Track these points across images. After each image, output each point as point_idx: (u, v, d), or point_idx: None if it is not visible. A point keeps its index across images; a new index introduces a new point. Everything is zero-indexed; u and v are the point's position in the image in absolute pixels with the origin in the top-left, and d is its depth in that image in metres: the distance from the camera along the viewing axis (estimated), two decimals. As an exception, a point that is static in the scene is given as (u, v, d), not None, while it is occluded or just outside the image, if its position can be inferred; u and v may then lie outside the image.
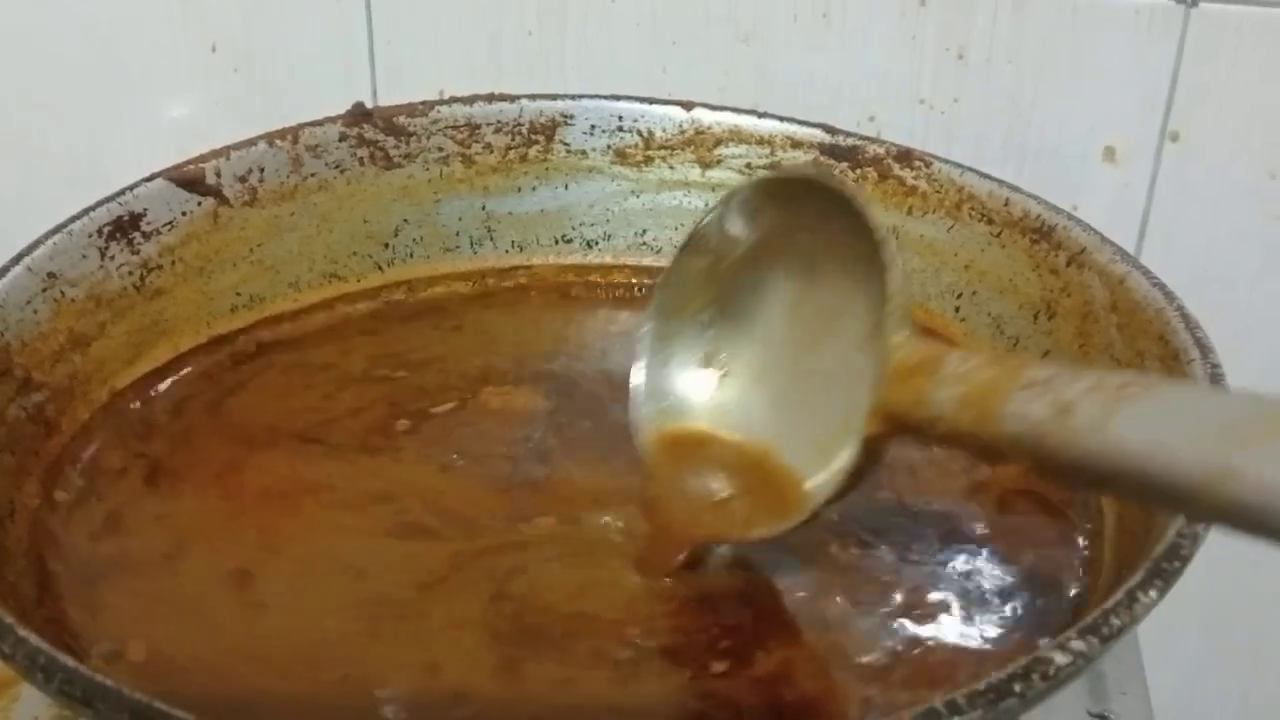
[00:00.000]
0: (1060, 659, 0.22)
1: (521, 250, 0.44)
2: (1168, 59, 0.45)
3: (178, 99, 0.53)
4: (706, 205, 0.44)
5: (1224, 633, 0.52)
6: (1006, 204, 0.39)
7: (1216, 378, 0.30)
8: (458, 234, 0.44)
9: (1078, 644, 0.23)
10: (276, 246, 0.41)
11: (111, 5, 0.52)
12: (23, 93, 0.54)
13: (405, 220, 0.43)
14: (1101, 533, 0.32)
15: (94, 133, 0.54)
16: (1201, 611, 0.51)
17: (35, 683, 0.22)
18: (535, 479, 0.35)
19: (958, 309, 0.40)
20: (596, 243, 0.45)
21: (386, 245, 0.43)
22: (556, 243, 0.45)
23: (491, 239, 0.44)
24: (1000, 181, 0.40)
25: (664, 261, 0.44)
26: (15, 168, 0.55)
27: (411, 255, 0.43)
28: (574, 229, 0.45)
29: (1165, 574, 0.24)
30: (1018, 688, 0.22)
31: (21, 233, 0.35)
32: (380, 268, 0.43)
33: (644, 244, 0.45)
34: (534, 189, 0.44)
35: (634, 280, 0.44)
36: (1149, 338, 0.33)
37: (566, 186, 0.44)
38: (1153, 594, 0.24)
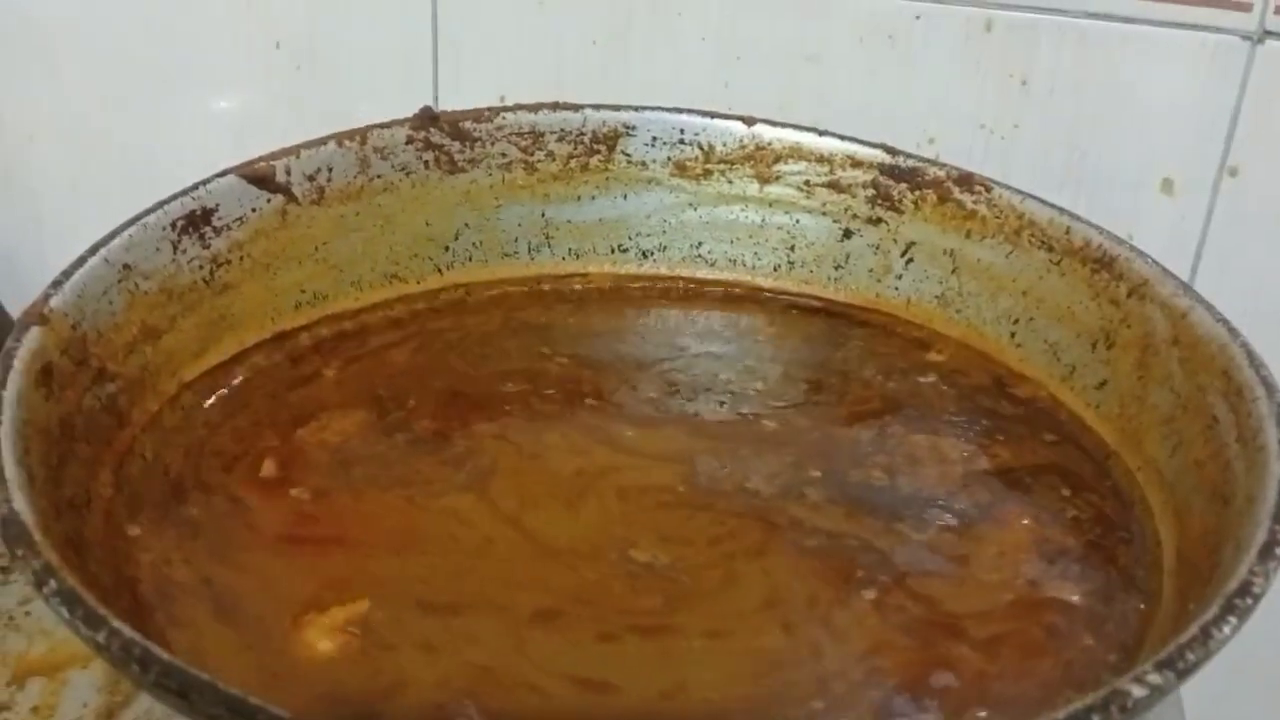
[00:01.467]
0: (1138, 691, 0.23)
1: (578, 258, 0.45)
2: (1230, 94, 0.45)
3: (240, 94, 0.54)
4: (764, 220, 0.44)
5: (1251, 657, 0.53)
6: (1067, 232, 0.40)
7: (1282, 415, 0.30)
8: (516, 240, 0.44)
9: (1154, 678, 0.23)
10: (341, 245, 0.41)
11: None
12: (87, 85, 0.55)
13: (466, 224, 0.43)
14: (1160, 564, 0.32)
15: (155, 126, 0.55)
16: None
17: (129, 675, 0.22)
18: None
19: (1014, 334, 0.41)
20: (652, 253, 0.45)
21: (447, 248, 0.43)
22: (613, 251, 0.45)
23: (549, 245, 0.45)
24: (1061, 209, 0.40)
25: (718, 274, 0.45)
26: (77, 159, 0.55)
27: (470, 259, 0.44)
28: (630, 239, 0.45)
29: (1238, 610, 0.24)
30: (1095, 718, 0.22)
31: (81, 223, 0.36)
32: (440, 270, 0.43)
33: (699, 256, 0.45)
34: (593, 198, 0.44)
35: (689, 289, 0.45)
36: (1211, 373, 0.33)
37: (625, 196, 0.45)
38: (1226, 630, 0.24)
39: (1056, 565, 0.33)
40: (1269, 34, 0.45)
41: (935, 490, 0.35)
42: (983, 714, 0.28)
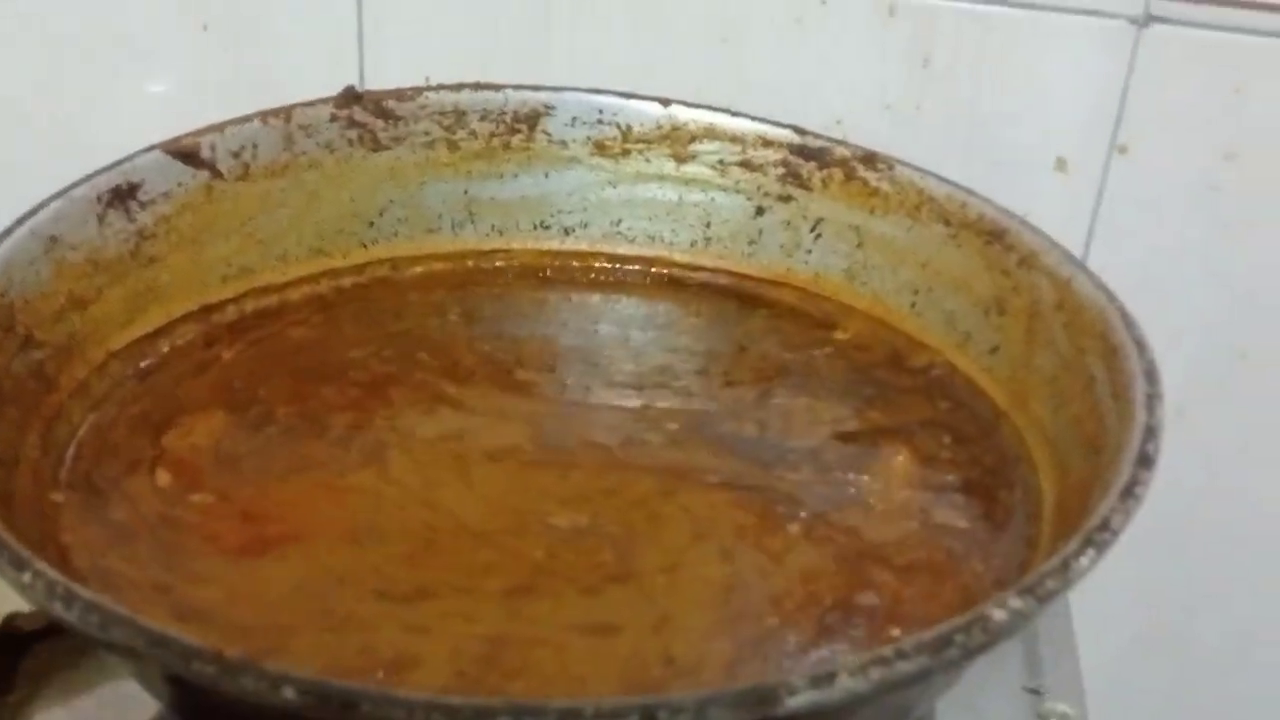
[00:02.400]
0: (999, 615, 0.24)
1: (501, 234, 0.46)
2: (1119, 75, 0.47)
3: (167, 76, 0.54)
4: (680, 198, 0.46)
5: (1150, 617, 0.55)
6: (963, 207, 0.41)
7: (1151, 372, 0.32)
8: (440, 216, 0.45)
9: (1015, 602, 0.25)
10: (267, 221, 0.42)
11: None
12: (13, 65, 0.55)
13: (391, 201, 0.45)
14: (1041, 514, 0.34)
15: (83, 106, 0.55)
16: (1131, 596, 0.53)
17: (54, 612, 0.23)
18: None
19: (913, 304, 0.43)
20: (574, 230, 0.47)
21: (371, 224, 0.44)
22: (535, 228, 0.46)
23: (473, 222, 0.46)
24: (958, 185, 0.42)
25: (638, 250, 0.47)
26: (6, 141, 0.56)
27: (395, 235, 0.45)
28: (552, 216, 0.46)
29: (1097, 543, 0.26)
30: (959, 639, 0.24)
31: (13, 205, 0.37)
32: (365, 245, 0.44)
33: (619, 233, 0.46)
34: (515, 176, 0.46)
35: (608, 266, 0.46)
36: (1091, 335, 0.36)
37: (547, 175, 0.46)
38: (1084, 561, 0.26)
39: (943, 496, 0.36)
40: (1154, 18, 0.47)
41: (802, 442, 0.38)
42: (896, 631, 0.31)
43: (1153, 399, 0.31)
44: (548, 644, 0.29)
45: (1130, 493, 0.28)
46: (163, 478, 0.34)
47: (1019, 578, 0.32)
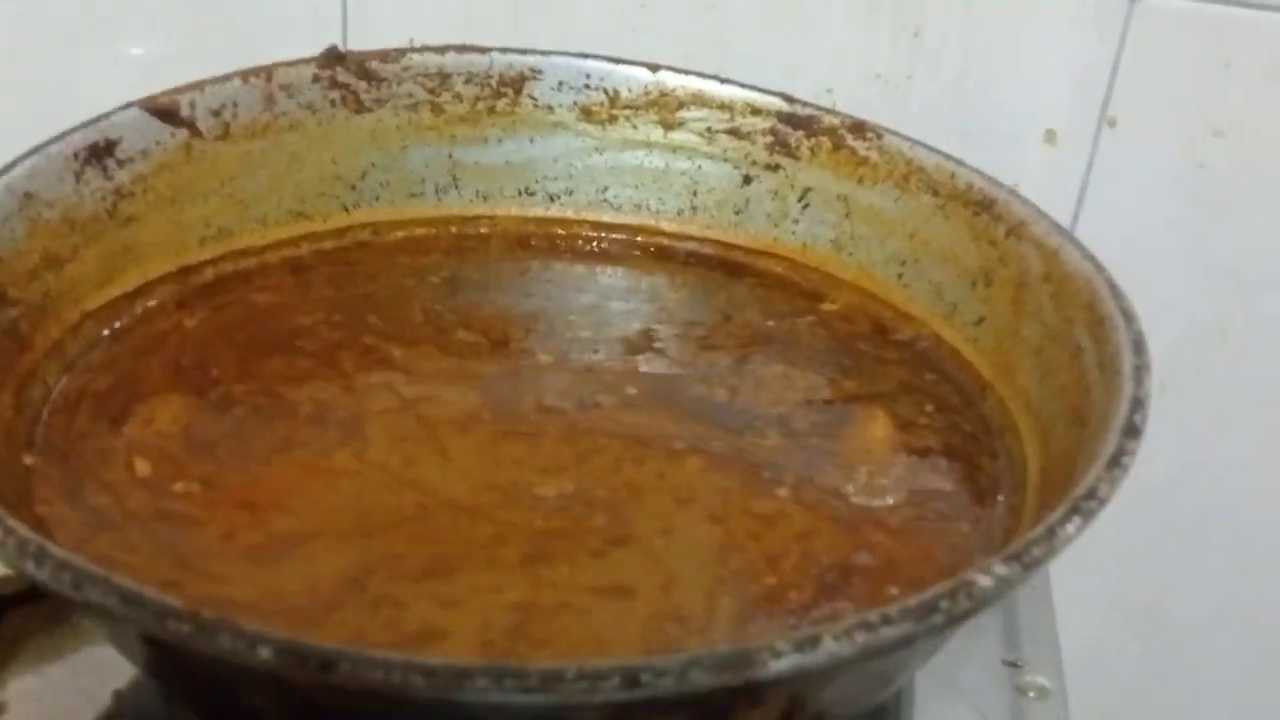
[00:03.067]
0: (984, 581, 0.24)
1: (485, 200, 0.46)
2: (1109, 49, 0.47)
3: (145, 39, 0.53)
4: (667, 166, 0.46)
5: (1127, 592, 0.55)
6: (952, 177, 0.41)
7: (1139, 343, 0.32)
8: (423, 181, 0.45)
9: (1000, 569, 0.25)
10: (247, 182, 0.42)
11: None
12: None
13: (373, 164, 0.44)
14: (1025, 484, 0.34)
15: (59, 70, 0.54)
16: (1110, 570, 0.54)
17: (26, 569, 0.23)
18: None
19: (900, 275, 0.42)
20: (559, 197, 0.46)
21: (353, 188, 0.44)
22: (520, 194, 0.46)
23: (457, 188, 0.45)
24: (947, 156, 0.41)
25: (623, 219, 0.46)
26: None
27: (378, 199, 0.44)
28: (537, 182, 0.46)
29: (1083, 511, 0.26)
30: (944, 604, 0.24)
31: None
32: (346, 209, 0.44)
33: (605, 201, 0.46)
34: (500, 141, 0.45)
35: (594, 234, 0.46)
36: (1078, 305, 0.35)
37: (532, 140, 0.45)
38: (1070, 529, 0.26)
39: (925, 460, 0.36)
40: (1146, -10, 0.47)
41: (772, 409, 0.38)
42: (894, 590, 0.31)
43: (1140, 370, 0.31)
44: (570, 608, 0.29)
45: (1117, 462, 0.28)
46: (142, 467, 0.32)
47: (1004, 547, 0.32)
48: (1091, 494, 0.27)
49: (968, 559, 0.32)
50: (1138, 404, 0.30)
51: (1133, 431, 0.29)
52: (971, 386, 0.39)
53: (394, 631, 0.28)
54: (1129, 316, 0.33)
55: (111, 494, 0.31)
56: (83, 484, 0.31)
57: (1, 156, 0.36)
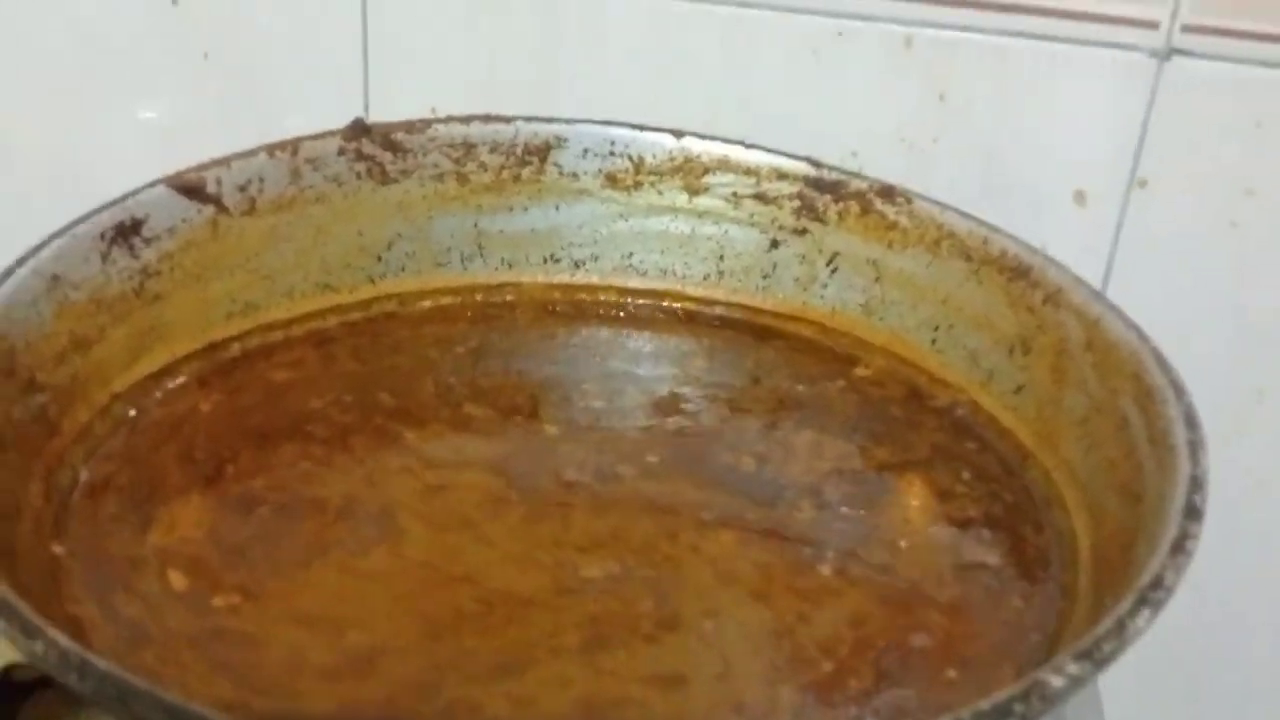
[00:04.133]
0: (1057, 681, 0.24)
1: (511, 267, 0.45)
2: (1139, 109, 0.47)
3: (167, 105, 0.53)
4: (693, 231, 0.45)
5: (1165, 665, 0.55)
6: (985, 242, 0.41)
7: (1191, 417, 0.32)
8: (449, 250, 0.44)
9: (1073, 668, 0.24)
10: (272, 256, 0.41)
11: (104, 7, 0.52)
12: (8, 95, 0.54)
13: (399, 235, 0.44)
14: (1077, 560, 0.33)
15: (80, 137, 0.54)
16: (1144, 643, 0.53)
17: (69, 682, 0.22)
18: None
19: (934, 341, 0.42)
20: (584, 263, 0.46)
21: (379, 259, 0.43)
22: (545, 261, 0.45)
23: (482, 256, 0.45)
24: (979, 220, 0.41)
25: (650, 283, 0.46)
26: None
27: (403, 269, 0.44)
28: (563, 249, 0.45)
29: (1152, 602, 0.25)
30: (1018, 708, 0.23)
31: (4, 234, 0.36)
32: (372, 280, 0.43)
33: (630, 266, 0.46)
34: (525, 209, 0.45)
35: (619, 300, 0.46)
36: (1123, 376, 0.35)
37: (557, 207, 0.45)
38: (1140, 622, 0.25)
39: (968, 532, 0.35)
40: (1176, 51, 0.46)
41: (801, 478, 0.37)
42: (953, 674, 0.30)
43: (1195, 446, 0.30)
44: (633, 702, 0.29)
45: (1181, 548, 0.27)
46: (177, 580, 0.31)
47: (1059, 629, 0.31)
48: (1158, 583, 0.26)
49: (1022, 637, 0.31)
50: (1196, 484, 0.29)
51: (1194, 514, 0.28)
52: (1012, 455, 0.38)
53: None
54: (1179, 389, 0.33)
55: (148, 606, 0.30)
56: (113, 590, 0.31)
57: (14, 220, 0.36)
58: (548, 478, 0.36)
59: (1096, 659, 0.24)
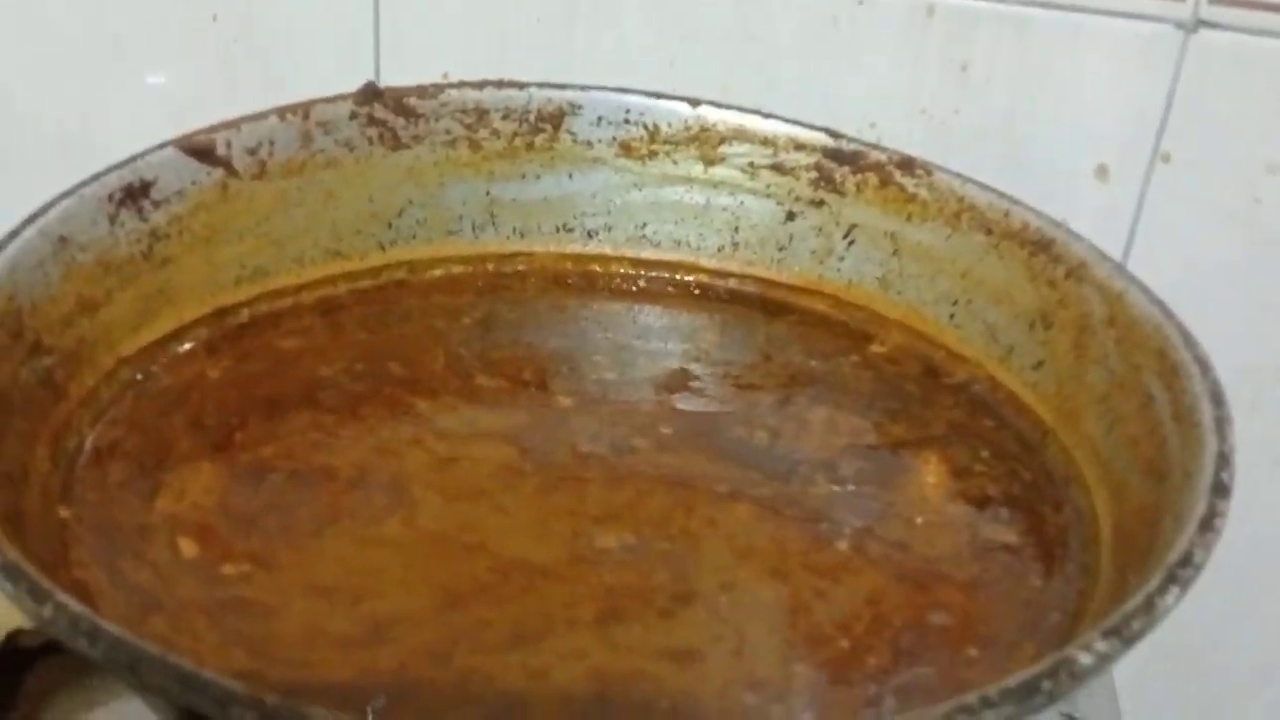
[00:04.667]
0: (1085, 659, 0.23)
1: (523, 237, 0.45)
2: (1164, 82, 0.46)
3: (176, 70, 0.53)
4: (708, 202, 0.45)
5: (1177, 640, 0.54)
6: (1006, 215, 0.40)
7: (1216, 393, 0.31)
8: (461, 217, 0.44)
9: (1101, 645, 0.23)
10: (282, 221, 0.40)
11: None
12: (13, 56, 0.53)
13: (410, 201, 0.43)
14: (1098, 538, 0.33)
15: (87, 103, 0.53)
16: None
17: (79, 647, 0.22)
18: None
19: (952, 315, 0.41)
20: (597, 233, 0.45)
21: (390, 225, 0.43)
22: (558, 231, 0.45)
23: (494, 224, 0.44)
24: (1000, 193, 0.40)
25: (663, 255, 0.45)
26: (6, 137, 0.54)
27: (414, 237, 0.43)
28: (575, 218, 0.45)
29: (1180, 580, 0.25)
30: (1046, 685, 0.23)
31: (13, 202, 0.35)
32: (383, 247, 0.43)
33: (644, 237, 0.45)
34: (538, 177, 0.44)
35: (632, 272, 0.45)
36: (1146, 352, 0.34)
37: (570, 176, 0.44)
38: (1169, 599, 0.25)
39: (986, 510, 0.35)
40: (1202, 23, 0.46)
41: (815, 454, 0.37)
42: (974, 652, 0.30)
43: (1222, 422, 0.30)
44: (645, 675, 0.28)
45: (1209, 525, 0.27)
46: (187, 548, 0.31)
47: (1079, 608, 0.31)
48: (1187, 560, 0.25)
49: (1043, 616, 0.31)
50: (1224, 460, 0.29)
51: (1222, 490, 0.28)
52: (1031, 433, 0.38)
53: (482, 707, 0.27)
54: (1204, 365, 0.32)
55: (157, 574, 0.30)
56: (122, 556, 0.30)
57: (26, 187, 0.35)
58: (562, 449, 0.36)
59: (1125, 636, 0.24)
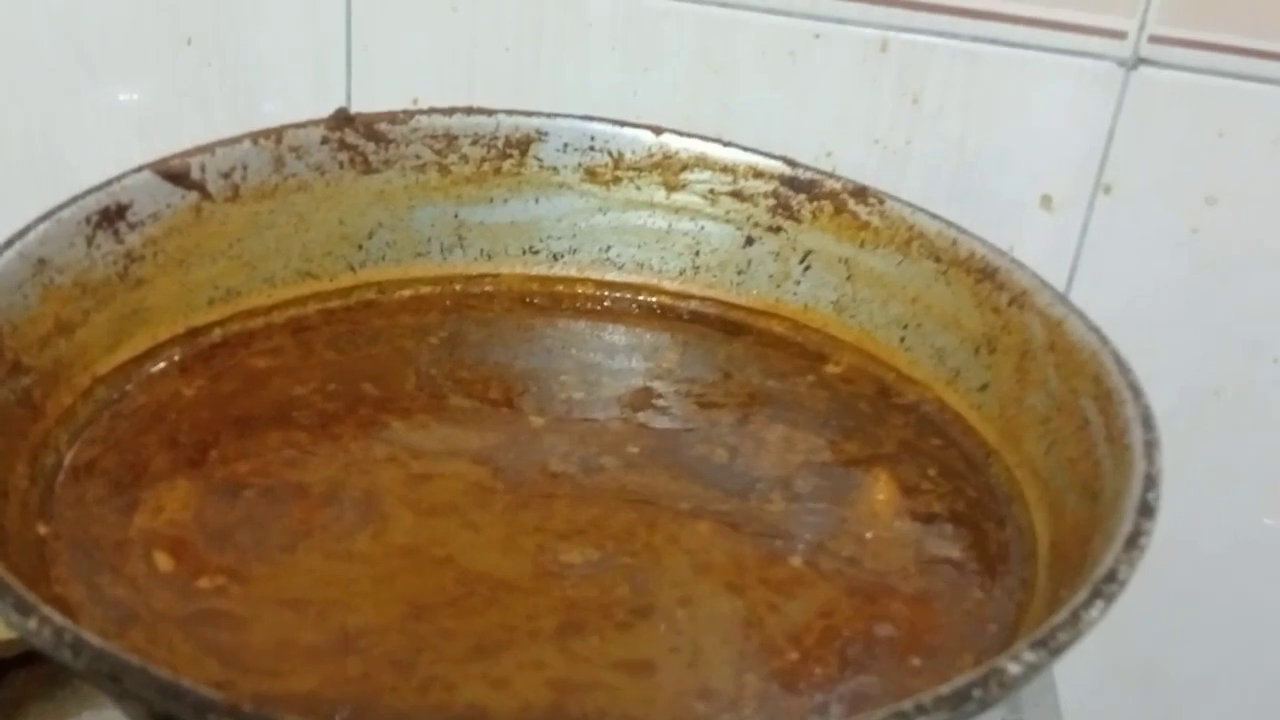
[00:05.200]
0: (1014, 669, 0.25)
1: (490, 258, 0.46)
2: (1106, 117, 0.48)
3: (147, 89, 0.53)
4: (670, 226, 0.46)
5: (1123, 651, 0.56)
6: (954, 244, 0.42)
7: (1147, 418, 0.33)
8: (429, 240, 0.45)
9: (1029, 655, 0.25)
10: (255, 243, 0.42)
11: (86, -9, 0.52)
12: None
13: (380, 224, 0.44)
14: (1036, 554, 0.35)
15: (54, 118, 0.54)
16: (1107, 629, 0.54)
17: (62, 659, 0.23)
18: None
19: (903, 339, 0.43)
20: (562, 255, 0.46)
21: (360, 247, 0.44)
22: (524, 253, 0.46)
23: (462, 246, 0.46)
24: (948, 222, 0.42)
25: (626, 277, 0.47)
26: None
27: (384, 258, 0.44)
28: (541, 241, 0.46)
29: (1105, 595, 0.27)
30: (976, 693, 0.24)
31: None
32: (353, 268, 0.44)
33: (608, 259, 0.46)
34: (505, 201, 0.45)
35: (596, 293, 0.46)
36: (1084, 378, 0.36)
37: (537, 200, 0.46)
38: (1094, 613, 0.26)
39: (931, 527, 0.36)
40: (1143, 60, 0.48)
41: (772, 471, 0.38)
42: (917, 662, 0.31)
43: (1151, 446, 0.32)
44: (602, 685, 0.30)
45: (1134, 543, 0.28)
46: (163, 561, 0.32)
47: (1017, 620, 0.33)
48: (1112, 576, 0.27)
49: (982, 628, 0.33)
50: (1151, 481, 0.30)
51: (1148, 510, 0.29)
52: (976, 452, 0.39)
53: (443, 715, 0.28)
54: (1136, 391, 0.34)
55: (134, 588, 0.31)
56: (100, 571, 0.31)
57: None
58: (533, 468, 0.37)
59: (1051, 648, 0.25)
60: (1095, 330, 0.37)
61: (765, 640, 0.32)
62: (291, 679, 0.29)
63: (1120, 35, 0.47)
